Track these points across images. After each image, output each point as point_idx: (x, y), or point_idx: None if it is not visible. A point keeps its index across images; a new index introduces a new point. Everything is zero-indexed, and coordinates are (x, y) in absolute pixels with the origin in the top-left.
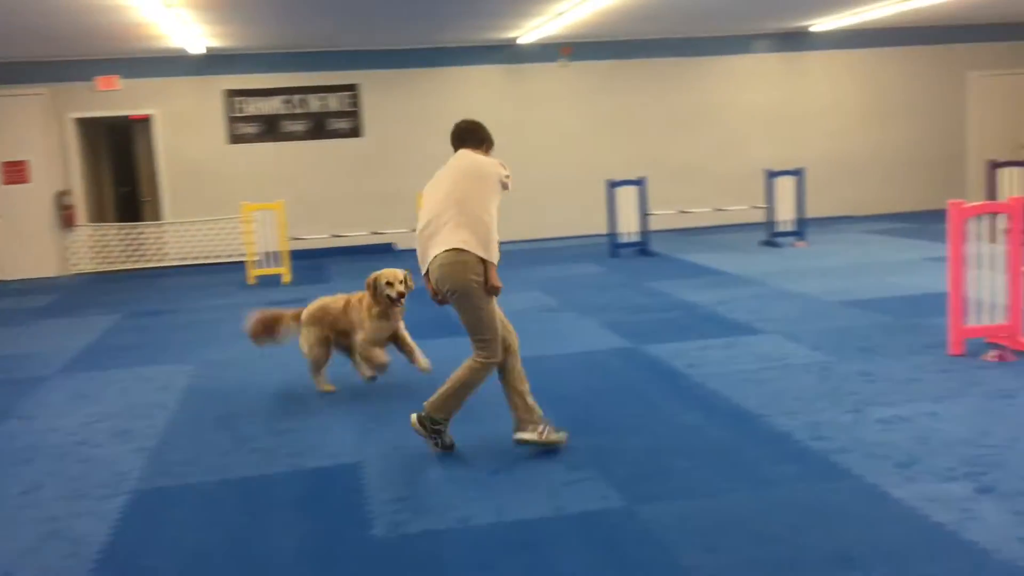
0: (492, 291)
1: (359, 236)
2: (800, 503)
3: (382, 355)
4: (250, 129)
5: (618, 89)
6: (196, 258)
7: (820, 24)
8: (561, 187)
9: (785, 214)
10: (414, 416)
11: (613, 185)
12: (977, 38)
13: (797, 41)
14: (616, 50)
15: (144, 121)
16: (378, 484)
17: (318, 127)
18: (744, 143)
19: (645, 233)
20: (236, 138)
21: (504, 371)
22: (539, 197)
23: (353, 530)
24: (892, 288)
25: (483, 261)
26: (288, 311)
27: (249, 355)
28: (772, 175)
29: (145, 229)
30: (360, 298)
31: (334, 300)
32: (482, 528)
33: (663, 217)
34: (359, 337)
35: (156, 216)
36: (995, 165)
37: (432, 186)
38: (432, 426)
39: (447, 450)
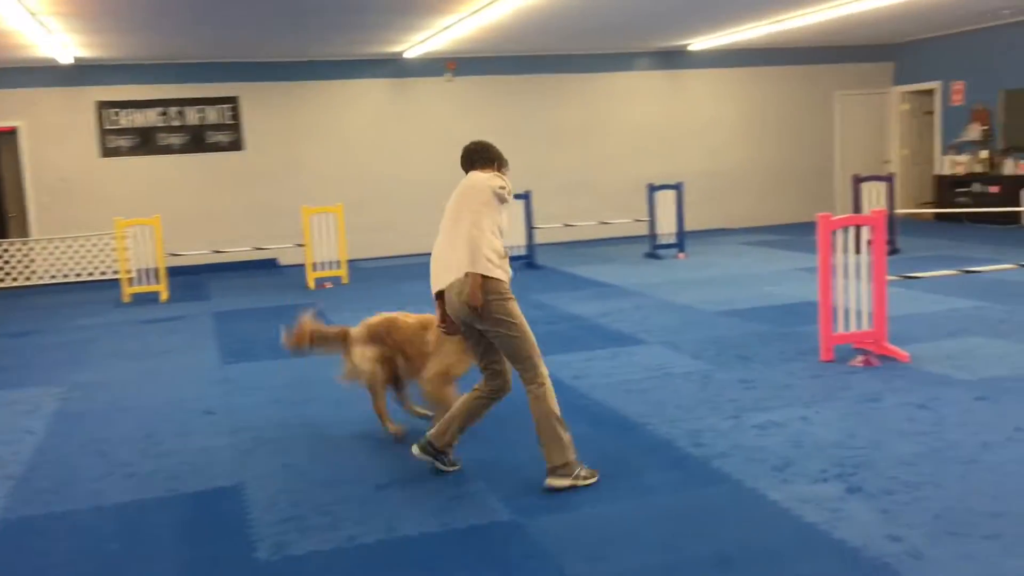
0: (472, 305)
1: (241, 252)
2: (682, 509)
3: (452, 395)
4: (124, 142)
5: (504, 104)
6: (67, 276)
7: (697, 43)
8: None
9: (666, 227)
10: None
11: None
12: (842, 59)
13: (677, 59)
14: (502, 66)
15: (10, 134)
16: (262, 506)
17: (196, 140)
18: (627, 158)
19: (531, 246)
20: (109, 151)
21: (476, 395)
22: (425, 212)
23: (237, 555)
24: (767, 298)
25: (488, 279)
26: (331, 328)
27: (123, 376)
28: (653, 189)
29: (10, 246)
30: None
31: (405, 316)
32: (370, 546)
33: (551, 230)
34: (433, 369)
35: (23, 232)
36: (859, 180)
37: (444, 213)
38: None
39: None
